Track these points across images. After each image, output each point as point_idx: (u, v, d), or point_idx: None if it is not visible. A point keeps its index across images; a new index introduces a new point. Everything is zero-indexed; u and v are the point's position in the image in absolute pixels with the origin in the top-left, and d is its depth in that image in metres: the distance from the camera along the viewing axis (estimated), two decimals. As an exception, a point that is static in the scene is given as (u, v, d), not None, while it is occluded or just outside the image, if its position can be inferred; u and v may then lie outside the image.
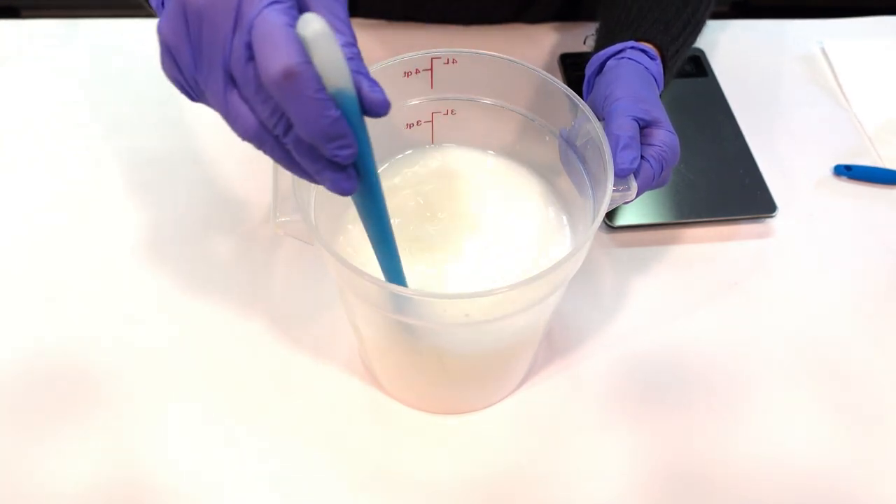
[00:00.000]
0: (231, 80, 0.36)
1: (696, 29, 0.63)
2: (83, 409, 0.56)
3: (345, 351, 0.60)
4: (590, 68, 0.58)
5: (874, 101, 0.79)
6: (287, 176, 0.46)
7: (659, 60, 0.58)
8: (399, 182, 0.55)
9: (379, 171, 0.56)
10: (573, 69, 0.79)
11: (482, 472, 0.55)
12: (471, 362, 0.53)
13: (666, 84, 0.59)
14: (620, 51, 0.57)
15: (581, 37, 0.83)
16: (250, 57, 0.34)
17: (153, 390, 0.57)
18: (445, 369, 0.54)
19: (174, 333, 0.60)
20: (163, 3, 0.40)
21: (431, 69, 0.52)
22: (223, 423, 0.56)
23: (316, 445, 0.55)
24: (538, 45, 0.82)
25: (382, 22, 0.83)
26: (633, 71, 0.55)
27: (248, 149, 0.73)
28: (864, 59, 0.83)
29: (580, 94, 0.50)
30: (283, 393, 0.58)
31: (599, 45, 0.60)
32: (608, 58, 0.57)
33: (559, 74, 0.80)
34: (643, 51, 0.57)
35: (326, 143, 0.35)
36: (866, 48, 0.84)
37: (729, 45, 0.84)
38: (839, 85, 0.81)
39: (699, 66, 0.80)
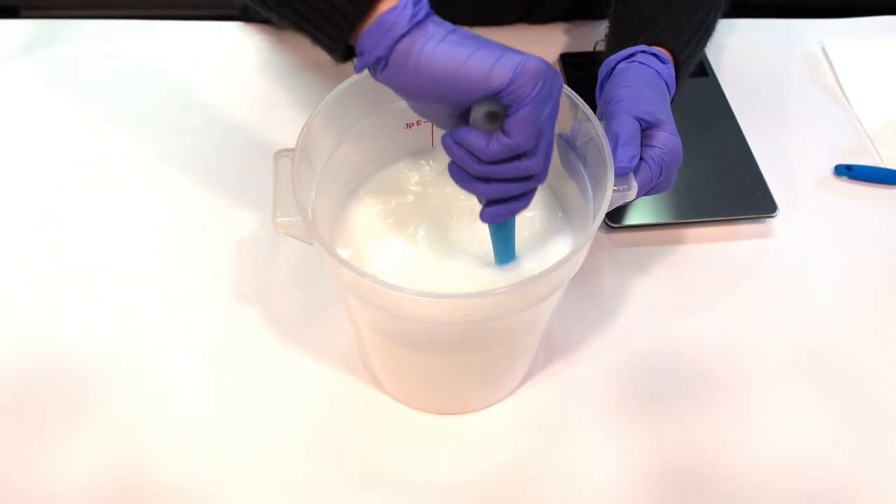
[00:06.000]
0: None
1: (707, 34, 0.63)
2: (83, 410, 0.56)
3: (345, 351, 0.60)
4: (601, 72, 0.58)
5: (874, 101, 0.79)
6: (287, 176, 0.46)
7: (671, 64, 0.57)
8: (399, 183, 0.55)
9: (378, 172, 0.56)
10: (573, 69, 0.79)
11: (482, 472, 0.55)
12: (471, 362, 0.53)
13: (678, 89, 0.59)
14: (632, 55, 0.57)
15: (581, 36, 0.83)
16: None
17: (152, 390, 0.57)
18: (445, 369, 0.54)
19: (174, 333, 0.60)
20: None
21: (431, 69, 0.52)
22: (223, 423, 0.56)
23: (316, 445, 0.55)
24: (538, 44, 0.82)
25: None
26: (642, 74, 0.55)
27: (246, 149, 0.74)
28: (865, 59, 0.83)
29: (580, 94, 0.50)
30: (283, 393, 0.58)
31: (610, 50, 0.60)
32: (619, 61, 0.57)
33: (559, 74, 0.79)
34: (654, 55, 0.57)
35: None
36: (866, 48, 0.84)
37: (729, 44, 0.84)
38: (839, 85, 0.81)
39: (699, 66, 0.80)
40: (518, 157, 0.41)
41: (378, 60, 0.41)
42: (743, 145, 0.73)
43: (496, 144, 0.40)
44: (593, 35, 0.82)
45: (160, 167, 0.71)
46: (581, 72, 0.79)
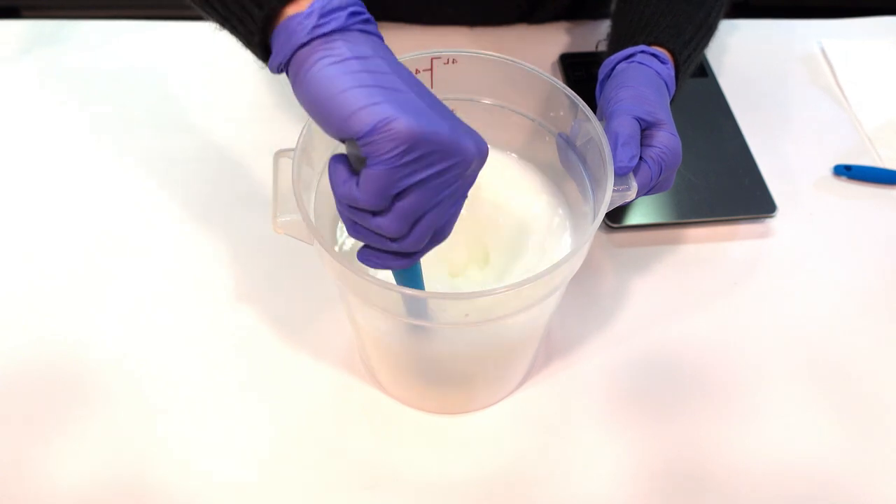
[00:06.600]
0: None
1: (709, 33, 0.63)
2: (82, 410, 0.56)
3: (345, 351, 0.60)
4: (601, 72, 0.58)
5: (874, 101, 0.79)
6: (287, 176, 0.46)
7: (671, 64, 0.57)
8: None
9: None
10: (573, 69, 0.79)
11: (482, 472, 0.55)
12: (471, 362, 0.53)
13: (678, 89, 0.59)
14: (631, 55, 0.57)
15: (581, 36, 0.83)
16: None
17: (153, 390, 0.58)
18: (445, 369, 0.54)
19: (173, 333, 0.60)
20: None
21: (431, 69, 0.52)
22: (223, 423, 0.56)
23: (316, 445, 0.55)
24: (538, 45, 0.82)
25: (382, 22, 0.83)
26: (642, 74, 0.55)
27: (247, 149, 0.74)
28: (864, 59, 0.83)
29: (580, 94, 0.50)
30: (282, 392, 0.58)
31: (611, 50, 0.60)
32: (619, 61, 0.57)
33: (559, 74, 0.80)
34: (654, 55, 0.57)
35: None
36: (866, 48, 0.84)
37: (728, 45, 0.84)
38: (839, 85, 0.81)
39: (699, 67, 0.80)
40: (374, 212, 0.39)
41: (279, 66, 0.39)
42: (742, 145, 0.73)
43: (346, 188, 0.38)
44: (593, 35, 0.82)
45: (159, 167, 0.71)
46: (581, 72, 0.79)
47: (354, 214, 0.39)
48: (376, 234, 0.40)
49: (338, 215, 0.54)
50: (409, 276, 0.45)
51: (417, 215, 0.39)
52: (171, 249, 0.65)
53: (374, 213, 0.39)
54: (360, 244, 0.42)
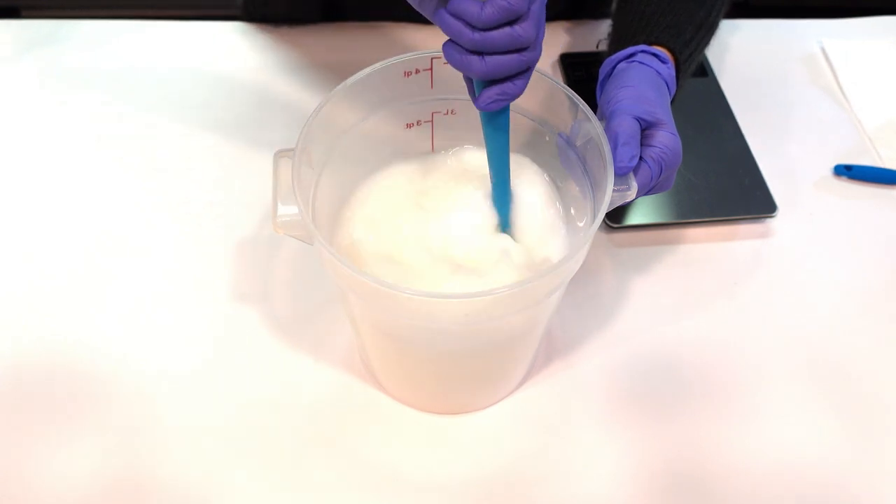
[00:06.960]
0: None
1: (710, 32, 0.63)
2: (82, 410, 0.56)
3: (345, 351, 0.60)
4: (602, 72, 0.58)
5: (874, 101, 0.79)
6: (287, 176, 0.46)
7: (671, 64, 0.57)
8: (399, 181, 0.55)
9: (378, 172, 0.56)
10: (573, 69, 0.79)
11: (482, 472, 0.55)
12: (471, 362, 0.53)
13: (679, 88, 0.59)
14: (631, 54, 0.57)
15: (582, 36, 0.83)
16: None
17: (152, 390, 0.57)
18: (445, 369, 0.54)
19: (173, 333, 0.60)
20: None
21: (431, 69, 0.52)
22: (222, 423, 0.56)
23: (316, 445, 0.55)
24: (538, 45, 0.82)
25: (382, 22, 0.83)
26: (642, 73, 0.55)
27: (246, 149, 0.74)
28: (864, 59, 0.83)
29: (580, 94, 0.50)
30: (282, 393, 0.58)
31: (612, 50, 0.60)
32: (619, 61, 0.57)
33: (559, 74, 0.80)
34: (654, 55, 0.57)
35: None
36: (866, 48, 0.84)
37: (729, 45, 0.84)
38: (839, 85, 0.81)
39: (699, 66, 0.80)
40: (510, 24, 0.41)
41: None
42: (742, 145, 0.73)
43: (490, 7, 0.40)
44: (594, 35, 0.82)
45: (159, 167, 0.71)
46: (581, 72, 0.79)
47: (489, 41, 0.41)
48: (510, 52, 0.42)
49: (336, 215, 0.54)
50: (502, 189, 0.51)
51: (540, 15, 0.43)
52: (171, 249, 0.65)
53: (512, 24, 0.41)
54: None
